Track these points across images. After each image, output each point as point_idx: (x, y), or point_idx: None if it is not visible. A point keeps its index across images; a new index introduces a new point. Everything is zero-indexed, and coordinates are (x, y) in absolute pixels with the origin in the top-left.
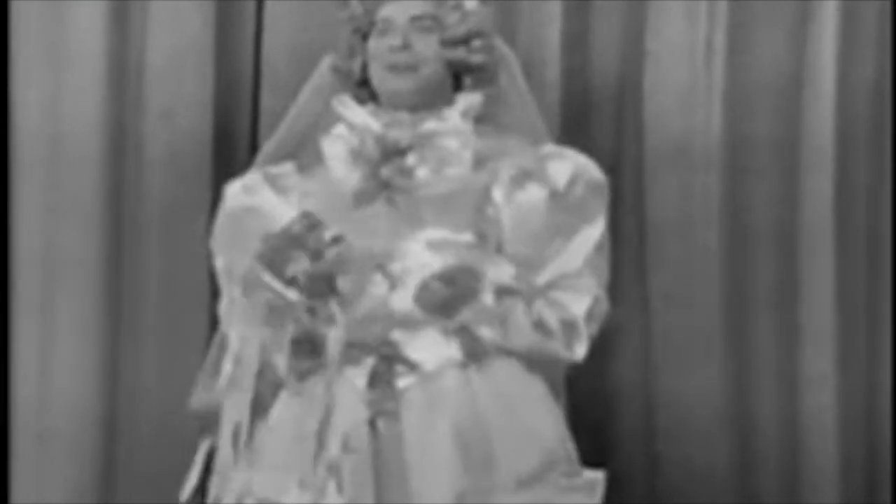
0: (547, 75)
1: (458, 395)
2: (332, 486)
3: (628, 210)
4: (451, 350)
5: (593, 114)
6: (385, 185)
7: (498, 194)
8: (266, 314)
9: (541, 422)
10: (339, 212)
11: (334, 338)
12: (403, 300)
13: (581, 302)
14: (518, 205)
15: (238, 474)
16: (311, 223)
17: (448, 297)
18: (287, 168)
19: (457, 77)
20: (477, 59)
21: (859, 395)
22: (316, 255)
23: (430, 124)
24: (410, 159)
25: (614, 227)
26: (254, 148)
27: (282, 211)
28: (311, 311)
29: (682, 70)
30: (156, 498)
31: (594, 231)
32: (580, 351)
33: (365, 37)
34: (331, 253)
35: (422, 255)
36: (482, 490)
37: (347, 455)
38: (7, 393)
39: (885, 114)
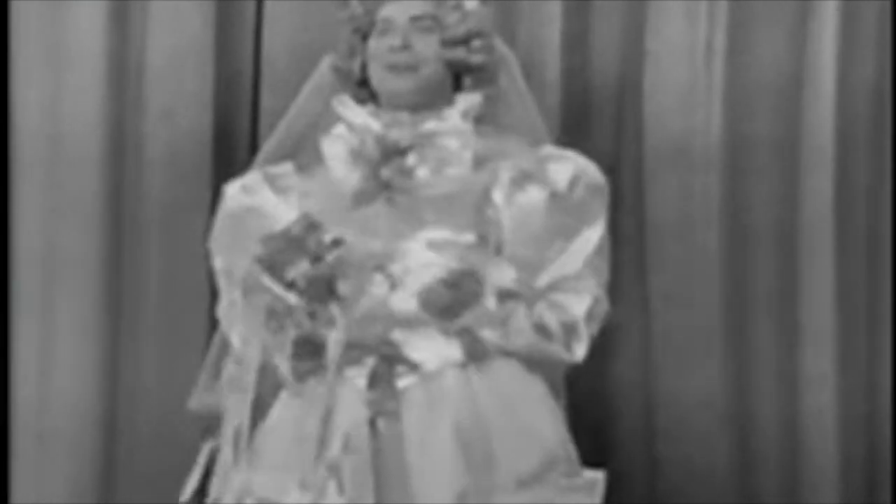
0: (547, 75)
1: (459, 395)
2: (332, 487)
3: (628, 210)
4: (452, 350)
5: (593, 114)
6: (385, 186)
7: (498, 195)
8: (266, 317)
9: (541, 422)
10: (338, 212)
11: (334, 340)
12: (404, 300)
13: (581, 303)
14: (518, 206)
15: (238, 474)
16: (310, 225)
17: (451, 301)
18: (287, 168)
19: (457, 77)
20: (477, 59)
21: (859, 395)
22: (316, 258)
23: (430, 124)
24: (411, 159)
25: (614, 228)
26: (254, 148)
27: (281, 211)
28: (312, 315)
29: (682, 70)
30: (156, 498)
31: (594, 233)
32: (580, 352)
33: (365, 37)
34: (331, 256)
35: (422, 256)
36: (482, 490)
37: (348, 455)
38: (7, 393)
39: (885, 114)
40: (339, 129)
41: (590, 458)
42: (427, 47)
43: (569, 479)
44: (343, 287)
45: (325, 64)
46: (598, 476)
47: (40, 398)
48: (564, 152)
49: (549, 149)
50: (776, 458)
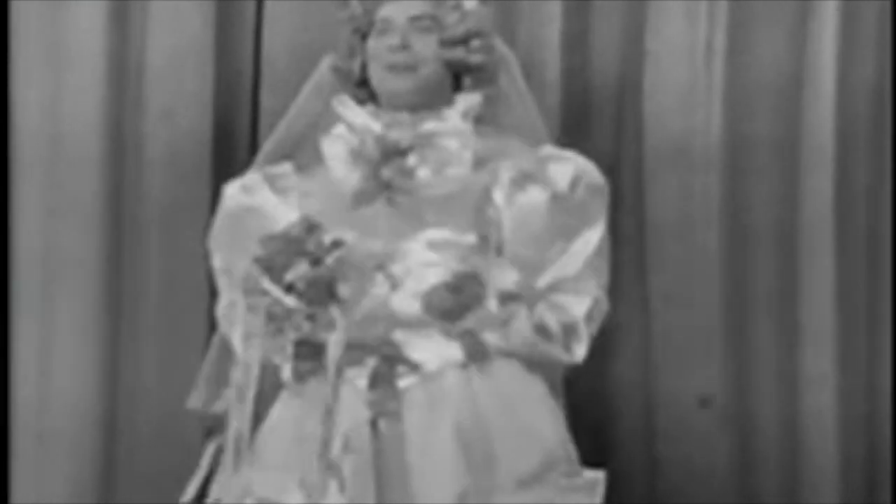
0: (547, 75)
1: (459, 395)
2: (333, 486)
3: (628, 210)
4: (453, 350)
5: (593, 114)
6: (385, 186)
7: (498, 196)
8: (265, 320)
9: (541, 422)
10: (338, 212)
11: (334, 341)
12: (405, 301)
13: (581, 304)
14: (519, 207)
15: (238, 475)
16: (310, 227)
17: (454, 305)
18: (286, 168)
19: (456, 77)
20: (476, 59)
21: (859, 395)
22: (315, 260)
23: (430, 125)
24: (411, 160)
25: (614, 228)
26: (254, 148)
27: (281, 211)
28: (311, 318)
29: (682, 70)
30: (156, 498)
31: (595, 234)
32: (580, 353)
33: (364, 37)
34: (330, 258)
35: (423, 256)
36: (483, 490)
37: (349, 455)
38: (7, 393)
39: (885, 114)
40: (339, 129)
41: (590, 458)
42: (426, 47)
43: (569, 480)
44: (343, 289)
45: (325, 64)
46: (598, 476)
47: (40, 398)
48: (564, 153)
49: (549, 149)
50: (776, 458)
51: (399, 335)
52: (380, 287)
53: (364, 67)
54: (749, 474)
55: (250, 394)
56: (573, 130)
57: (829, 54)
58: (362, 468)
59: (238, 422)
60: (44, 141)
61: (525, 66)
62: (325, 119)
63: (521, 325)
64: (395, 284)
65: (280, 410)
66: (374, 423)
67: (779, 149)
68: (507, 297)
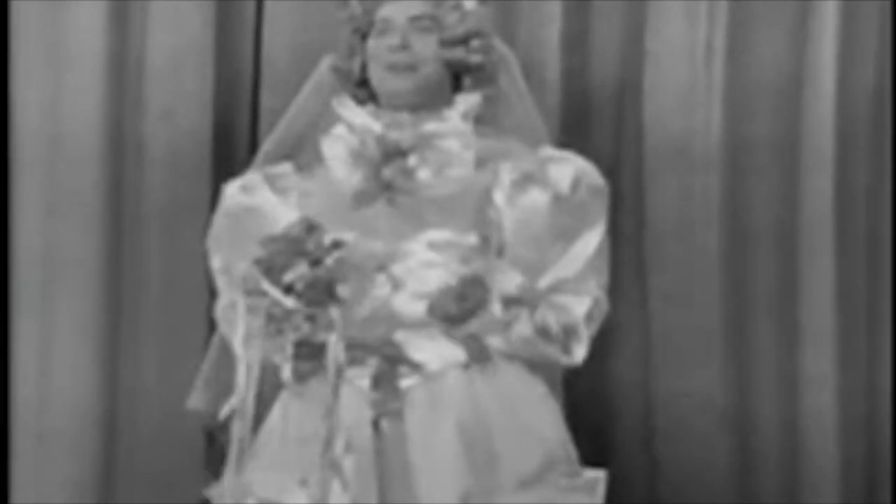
0: (546, 76)
1: (461, 396)
2: (336, 486)
3: (628, 210)
4: (454, 351)
5: (593, 114)
6: (386, 186)
7: (499, 197)
8: (265, 321)
9: (542, 422)
10: (339, 212)
11: (334, 342)
12: (406, 302)
13: (581, 304)
14: (520, 208)
15: (238, 475)
16: (310, 227)
17: (460, 312)
18: (286, 168)
19: (456, 77)
20: (476, 59)
21: (859, 396)
22: (315, 261)
23: (430, 125)
24: (412, 160)
25: (614, 228)
26: (253, 147)
27: (281, 211)
28: (311, 319)
29: (682, 70)
30: (156, 498)
31: (595, 235)
32: (580, 354)
33: (364, 37)
34: (330, 259)
35: (424, 256)
36: (485, 490)
37: (351, 455)
38: (7, 393)
39: (885, 114)
40: (339, 129)
41: (590, 458)
42: (426, 47)
43: (569, 480)
44: (343, 290)
45: (325, 64)
46: (598, 476)
47: (40, 398)
48: (564, 154)
49: (549, 150)
50: (776, 459)
51: (400, 336)
52: (381, 288)
53: (364, 67)
54: (749, 475)
55: (251, 394)
56: (573, 131)
57: (829, 54)
58: (365, 468)
59: (240, 423)
60: (44, 140)
61: (525, 66)
62: (325, 119)
63: (523, 327)
64: (396, 285)
65: (280, 410)
66: (376, 423)
67: (779, 149)
68: (510, 301)
